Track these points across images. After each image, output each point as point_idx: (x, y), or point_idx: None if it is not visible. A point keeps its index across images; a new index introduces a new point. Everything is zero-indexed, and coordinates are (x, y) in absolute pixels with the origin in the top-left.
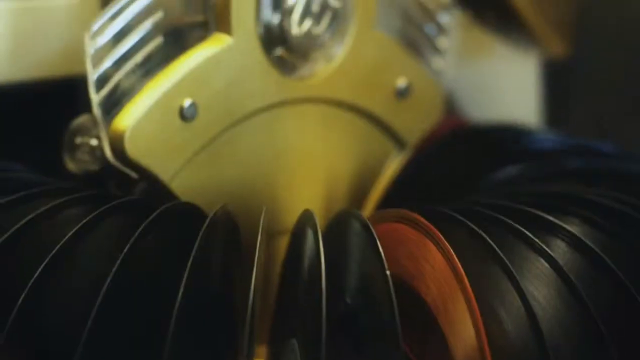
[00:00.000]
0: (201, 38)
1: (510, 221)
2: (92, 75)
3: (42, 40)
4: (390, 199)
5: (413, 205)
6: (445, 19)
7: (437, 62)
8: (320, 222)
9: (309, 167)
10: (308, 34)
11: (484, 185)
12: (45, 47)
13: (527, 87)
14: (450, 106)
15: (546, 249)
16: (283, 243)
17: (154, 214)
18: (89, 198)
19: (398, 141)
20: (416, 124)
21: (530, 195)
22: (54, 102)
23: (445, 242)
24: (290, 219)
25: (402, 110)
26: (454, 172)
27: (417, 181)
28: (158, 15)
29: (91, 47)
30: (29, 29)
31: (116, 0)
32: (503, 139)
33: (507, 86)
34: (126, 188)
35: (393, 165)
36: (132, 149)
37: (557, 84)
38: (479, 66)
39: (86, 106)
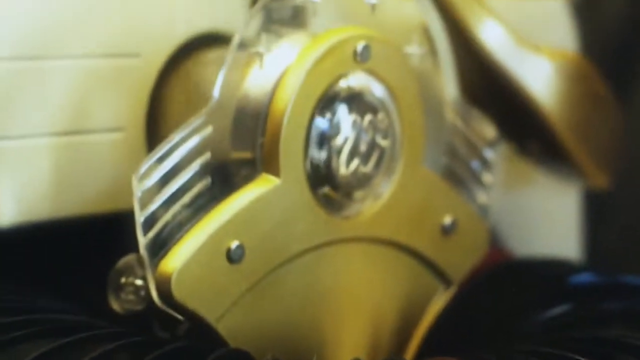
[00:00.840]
0: (248, 177)
1: None
2: (140, 217)
3: (86, 176)
4: (435, 337)
5: (456, 351)
6: (490, 154)
7: (482, 197)
8: None
9: (354, 306)
10: (355, 174)
11: (526, 326)
12: (90, 183)
13: (568, 219)
14: (491, 238)
15: None
16: None
17: None
18: (139, 344)
19: (443, 278)
20: (462, 260)
21: (574, 341)
22: (97, 240)
23: None
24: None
25: (447, 248)
26: (497, 309)
27: (460, 319)
28: (206, 156)
29: (138, 189)
30: (73, 165)
31: (164, 141)
32: (546, 277)
33: (547, 217)
34: (170, 328)
35: (438, 303)
36: (179, 292)
37: (597, 215)
38: (519, 197)
39: (130, 244)
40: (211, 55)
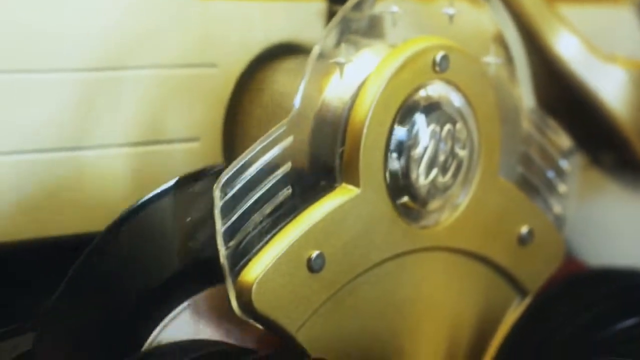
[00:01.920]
0: (327, 187)
1: None
2: (221, 227)
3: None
4: (511, 347)
5: None
6: (565, 164)
7: (557, 207)
8: None
9: (431, 315)
10: (434, 184)
11: (603, 336)
12: None
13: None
14: (567, 248)
15: None
16: None
17: None
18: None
19: (519, 288)
20: (538, 270)
21: None
22: None
23: None
24: None
25: (523, 257)
26: (574, 320)
27: (536, 329)
28: (287, 166)
29: (220, 198)
30: (150, 175)
31: (246, 151)
32: (623, 287)
33: (621, 227)
34: None
35: (514, 313)
36: (260, 302)
37: None
38: (592, 207)
39: None
40: (287, 65)
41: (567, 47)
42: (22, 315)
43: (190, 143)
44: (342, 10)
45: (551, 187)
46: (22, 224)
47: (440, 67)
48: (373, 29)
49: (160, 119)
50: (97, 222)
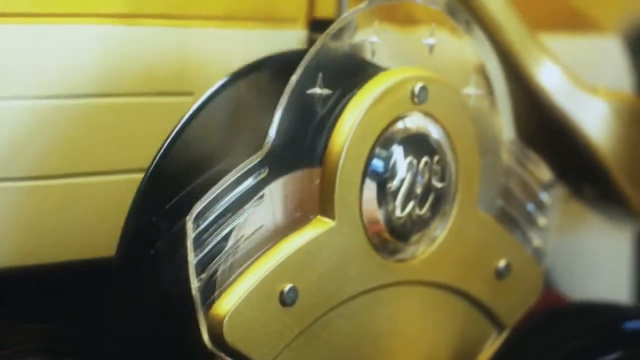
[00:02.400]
0: (302, 219)
1: None
2: (193, 259)
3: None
4: None
5: None
6: (546, 196)
7: (537, 240)
8: None
9: (407, 349)
10: (411, 217)
11: None
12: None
13: (621, 262)
14: (547, 280)
15: None
16: None
17: None
18: None
19: (496, 322)
20: (515, 304)
21: None
22: None
23: None
24: None
25: (501, 291)
26: (551, 354)
27: None
28: (261, 198)
29: (192, 230)
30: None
31: (221, 181)
32: (601, 322)
33: (602, 260)
34: None
35: (491, 347)
36: (231, 335)
37: None
38: (572, 240)
39: None
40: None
41: (549, 77)
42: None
43: None
44: (322, 39)
45: (531, 220)
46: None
47: (418, 99)
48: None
49: (141, 147)
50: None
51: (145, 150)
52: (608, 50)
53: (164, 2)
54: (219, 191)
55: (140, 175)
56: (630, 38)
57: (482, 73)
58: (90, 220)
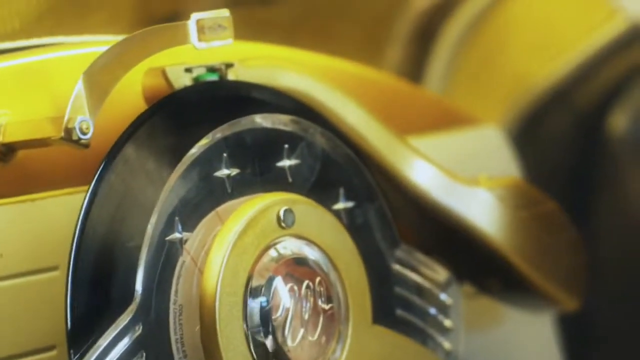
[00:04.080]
0: None
1: None
2: None
3: None
4: None
5: None
6: (446, 297)
7: (447, 343)
8: None
9: None
10: (303, 344)
11: None
12: None
13: (547, 348)
14: None
15: None
16: None
17: None
18: None
19: None
20: None
21: None
22: None
23: None
24: None
25: None
26: None
27: None
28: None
29: None
30: None
31: (96, 345)
32: None
33: (525, 350)
34: None
35: None
36: None
37: (575, 337)
38: (491, 335)
39: None
40: None
41: (424, 176)
42: None
43: (47, 352)
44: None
45: (436, 324)
46: None
47: (286, 223)
48: (211, 195)
49: (11, 332)
50: None
51: (19, 334)
52: (491, 140)
53: None
54: (96, 355)
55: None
56: (514, 127)
57: (350, 185)
58: None
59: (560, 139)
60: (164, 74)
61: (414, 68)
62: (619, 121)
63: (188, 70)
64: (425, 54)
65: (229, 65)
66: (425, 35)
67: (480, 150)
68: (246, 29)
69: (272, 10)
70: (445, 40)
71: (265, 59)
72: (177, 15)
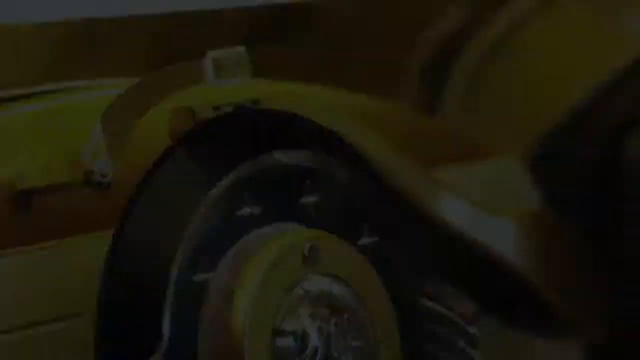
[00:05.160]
0: None
1: None
2: None
3: None
4: None
5: None
6: (474, 329)
7: None
8: None
9: None
10: None
11: None
12: None
13: None
14: None
15: None
16: None
17: None
18: None
19: None
20: None
21: None
22: None
23: None
24: None
25: None
26: None
27: None
28: None
29: None
30: None
31: None
32: None
33: None
34: None
35: None
36: None
37: None
38: None
39: None
40: None
41: (449, 208)
42: None
43: None
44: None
45: (465, 357)
46: None
47: (311, 260)
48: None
49: None
50: None
51: None
52: (508, 172)
53: None
54: None
55: None
56: (532, 157)
57: (374, 219)
58: None
59: (580, 166)
60: (192, 113)
61: (430, 99)
62: (637, 146)
63: (216, 108)
64: (441, 85)
65: (255, 102)
66: (441, 66)
67: (500, 181)
68: (263, 67)
69: (288, 46)
70: (461, 71)
71: (290, 96)
72: (191, 54)
